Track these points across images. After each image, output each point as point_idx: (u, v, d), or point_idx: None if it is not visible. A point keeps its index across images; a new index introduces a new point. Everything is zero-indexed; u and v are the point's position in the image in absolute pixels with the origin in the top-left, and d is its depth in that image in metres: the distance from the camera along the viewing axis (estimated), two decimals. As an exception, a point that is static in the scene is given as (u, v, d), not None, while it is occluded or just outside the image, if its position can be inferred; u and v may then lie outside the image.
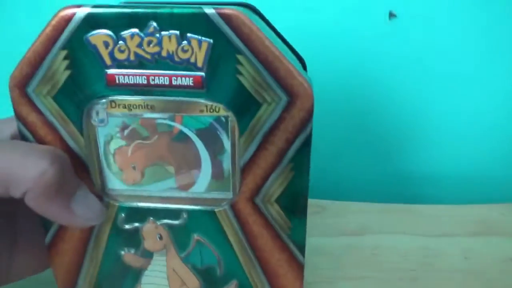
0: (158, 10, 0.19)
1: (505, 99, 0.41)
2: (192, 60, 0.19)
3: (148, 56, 0.19)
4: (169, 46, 0.19)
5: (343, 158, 0.45)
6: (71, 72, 0.20)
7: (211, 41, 0.19)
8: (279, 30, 0.23)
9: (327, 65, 0.39)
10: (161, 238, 0.23)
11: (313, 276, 0.29)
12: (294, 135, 0.20)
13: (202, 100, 0.20)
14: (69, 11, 0.19)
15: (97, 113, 0.21)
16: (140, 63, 0.20)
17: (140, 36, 0.19)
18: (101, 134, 0.22)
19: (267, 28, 0.22)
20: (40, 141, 0.22)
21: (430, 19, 0.38)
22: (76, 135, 0.21)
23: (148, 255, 0.24)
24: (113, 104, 0.21)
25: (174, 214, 0.23)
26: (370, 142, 0.44)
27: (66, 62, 0.20)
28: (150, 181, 0.23)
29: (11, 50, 0.38)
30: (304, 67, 0.25)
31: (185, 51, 0.19)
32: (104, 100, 0.21)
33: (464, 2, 0.37)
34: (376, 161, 0.44)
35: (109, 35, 0.19)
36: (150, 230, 0.23)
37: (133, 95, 0.20)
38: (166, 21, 0.19)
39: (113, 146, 0.22)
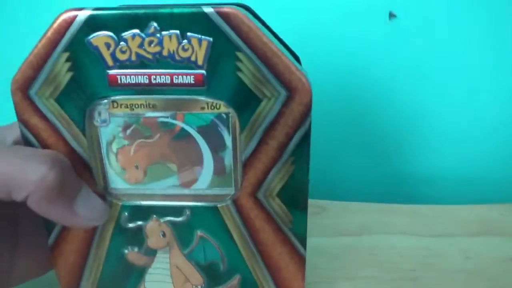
0: (158, 11, 0.19)
1: (505, 100, 0.41)
2: (193, 58, 0.20)
3: (149, 56, 0.20)
4: (170, 45, 0.20)
5: (343, 159, 0.45)
6: (73, 74, 0.20)
7: (211, 39, 0.19)
8: (278, 31, 0.24)
9: (326, 65, 0.40)
10: (164, 235, 0.24)
11: (313, 276, 0.29)
12: (294, 129, 0.21)
13: (203, 98, 0.21)
14: (70, 14, 0.19)
15: (99, 114, 0.22)
16: (141, 63, 0.20)
17: (141, 37, 0.19)
18: (104, 134, 0.22)
19: (262, 26, 0.23)
20: (42, 143, 0.22)
21: (430, 20, 0.38)
22: (78, 136, 0.22)
23: (152, 253, 0.24)
24: (115, 104, 0.21)
25: (177, 211, 0.23)
26: (370, 142, 0.44)
27: (68, 64, 0.20)
28: (152, 179, 0.23)
29: (10, 54, 0.38)
30: (299, 63, 0.26)
31: (185, 50, 0.20)
32: (106, 101, 0.21)
33: (465, 3, 0.38)
34: (376, 162, 0.45)
35: (111, 37, 0.19)
36: (153, 228, 0.23)
37: (135, 94, 0.21)
38: (166, 21, 0.19)
39: (115, 145, 0.22)
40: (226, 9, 0.19)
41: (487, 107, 0.41)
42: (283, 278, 0.24)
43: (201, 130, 0.22)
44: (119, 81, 0.20)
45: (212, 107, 0.21)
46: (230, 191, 0.23)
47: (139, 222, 0.23)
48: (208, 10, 0.19)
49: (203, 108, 0.21)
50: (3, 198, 0.20)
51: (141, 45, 0.20)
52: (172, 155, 0.22)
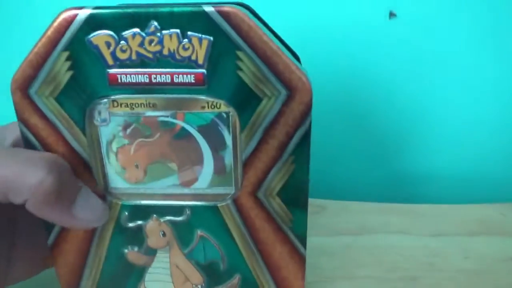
0: (159, 10, 0.19)
1: (505, 100, 0.41)
2: (193, 57, 0.20)
3: (150, 55, 0.20)
4: (170, 44, 0.20)
5: (343, 158, 0.45)
6: (73, 73, 0.20)
7: (211, 38, 0.19)
8: (278, 31, 0.24)
9: (325, 66, 0.40)
10: (164, 235, 0.24)
11: (313, 276, 0.29)
12: (294, 128, 0.21)
13: (203, 97, 0.21)
14: (70, 13, 0.19)
15: (99, 113, 0.22)
16: (141, 62, 0.20)
17: (142, 36, 0.19)
18: (104, 133, 0.22)
19: (262, 26, 0.23)
20: (42, 142, 0.22)
21: (430, 20, 0.38)
22: (78, 135, 0.22)
23: (152, 252, 0.24)
24: (115, 104, 0.21)
25: (177, 210, 0.23)
26: (370, 142, 0.44)
27: (68, 63, 0.20)
28: (153, 178, 0.23)
29: (9, 53, 0.38)
30: (299, 63, 0.26)
31: (186, 49, 0.20)
32: (106, 100, 0.21)
33: (465, 3, 0.38)
34: (376, 161, 0.45)
35: (111, 36, 0.19)
36: (153, 227, 0.23)
37: (135, 94, 0.21)
38: (167, 20, 0.19)
39: (115, 145, 0.22)
40: (226, 8, 0.19)
41: (487, 107, 0.41)
42: (283, 277, 0.24)
43: (202, 129, 0.22)
44: (119, 80, 0.20)
45: (213, 106, 0.21)
46: (230, 190, 0.23)
47: (139, 222, 0.23)
48: (208, 9, 0.19)
49: (203, 107, 0.21)
50: (1, 200, 0.19)
51: (141, 44, 0.20)
52: (172, 155, 0.22)
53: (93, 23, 0.19)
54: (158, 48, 0.20)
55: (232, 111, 0.21)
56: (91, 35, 0.19)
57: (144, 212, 0.23)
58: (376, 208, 0.39)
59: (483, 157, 0.43)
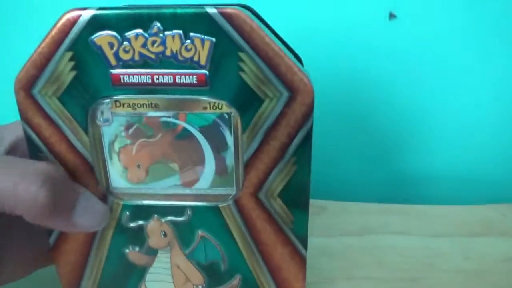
0: (162, 11, 0.19)
1: (505, 101, 0.41)
2: (196, 58, 0.20)
3: (153, 56, 0.20)
4: (173, 45, 0.20)
5: (343, 159, 0.45)
6: (77, 73, 0.20)
7: (214, 39, 0.19)
8: (279, 32, 0.24)
9: (327, 66, 0.40)
10: (165, 235, 0.24)
11: (313, 276, 0.29)
12: (296, 129, 0.21)
13: (205, 98, 0.21)
14: (74, 14, 0.19)
15: (102, 113, 0.22)
16: (144, 62, 0.20)
17: (145, 37, 0.20)
18: (106, 133, 0.22)
19: (264, 27, 0.23)
20: (45, 142, 0.22)
21: (430, 20, 0.38)
22: (81, 135, 0.22)
23: (153, 252, 0.24)
24: (118, 104, 0.21)
25: (179, 211, 0.23)
26: (370, 142, 0.44)
27: (71, 64, 0.20)
28: (154, 178, 0.23)
29: (12, 54, 0.38)
30: (301, 64, 0.26)
31: (188, 50, 0.20)
32: (108, 100, 0.21)
33: (466, 4, 0.38)
34: (376, 162, 0.45)
35: (114, 36, 0.20)
36: (154, 227, 0.24)
37: (138, 94, 0.21)
38: (170, 21, 0.19)
39: (117, 145, 0.22)
40: (229, 9, 0.19)
41: (487, 108, 0.41)
42: (284, 278, 0.24)
43: (203, 130, 0.22)
44: (122, 81, 0.20)
45: (214, 107, 0.21)
46: (231, 191, 0.23)
47: (140, 222, 0.23)
48: (211, 10, 0.19)
49: (205, 108, 0.21)
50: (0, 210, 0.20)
51: (144, 45, 0.20)
52: (174, 155, 0.23)
53: (97, 23, 0.19)
54: (160, 49, 0.20)
55: (233, 112, 0.21)
56: (95, 35, 0.20)
57: (145, 212, 0.23)
58: (377, 209, 0.39)
59: (483, 157, 0.43)
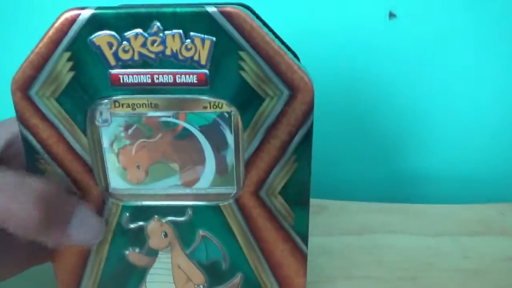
0: (161, 10, 0.19)
1: (505, 99, 0.41)
2: (196, 58, 0.20)
3: (152, 55, 0.20)
4: (173, 45, 0.20)
5: (343, 158, 0.45)
6: (75, 74, 0.20)
7: (214, 39, 0.19)
8: (278, 31, 0.24)
9: (326, 66, 0.40)
10: (166, 235, 0.24)
11: (313, 276, 0.29)
12: (296, 127, 0.21)
13: (205, 97, 0.21)
14: (72, 13, 0.19)
15: (101, 113, 0.22)
16: (144, 62, 0.20)
17: (144, 36, 0.19)
18: (105, 134, 0.22)
19: (263, 26, 0.23)
20: (42, 143, 0.22)
21: (430, 20, 0.38)
22: (79, 136, 0.21)
23: (153, 253, 0.24)
24: (117, 104, 0.21)
25: (179, 211, 0.23)
26: (370, 141, 0.44)
27: (69, 64, 0.20)
28: (154, 179, 0.23)
29: (8, 54, 0.37)
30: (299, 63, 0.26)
31: (188, 50, 0.20)
32: (107, 100, 0.21)
33: (466, 4, 0.38)
34: (376, 161, 0.45)
35: (113, 36, 0.19)
36: (155, 228, 0.23)
37: (137, 94, 0.21)
38: (170, 21, 0.19)
39: (116, 145, 0.22)
40: (229, 8, 0.19)
41: (487, 108, 0.41)
42: (285, 275, 0.24)
43: (203, 130, 0.22)
44: (121, 81, 0.20)
45: (215, 106, 0.21)
46: (232, 190, 0.23)
47: (141, 223, 0.23)
48: (211, 9, 0.19)
49: (205, 107, 0.21)
50: None
51: (144, 45, 0.20)
52: (174, 155, 0.22)
53: (96, 23, 0.19)
54: (160, 48, 0.20)
55: (234, 110, 0.21)
56: (93, 35, 0.19)
57: (145, 213, 0.23)
58: (376, 208, 0.39)
59: (482, 157, 0.43)
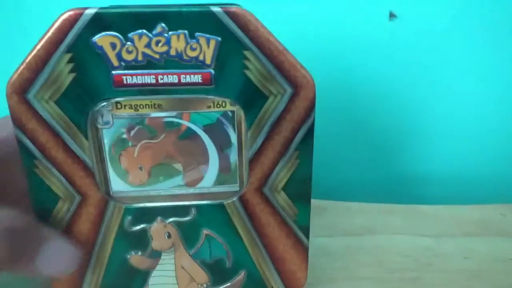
0: (166, 10, 0.19)
1: (506, 100, 0.41)
2: (201, 58, 0.20)
3: (157, 56, 0.20)
4: (178, 45, 0.20)
5: (344, 159, 0.45)
6: (76, 75, 0.20)
7: (219, 38, 0.20)
8: (279, 31, 0.24)
9: (326, 67, 0.40)
10: (169, 236, 0.24)
11: (314, 277, 0.29)
12: (299, 124, 0.22)
13: (210, 96, 0.21)
14: (73, 13, 0.19)
15: (102, 116, 0.21)
16: (148, 63, 0.20)
17: (149, 36, 0.19)
18: (106, 136, 0.22)
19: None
20: (40, 148, 0.21)
21: (430, 19, 0.39)
22: (80, 139, 0.21)
23: (156, 255, 0.24)
24: (119, 105, 0.21)
25: (183, 211, 0.23)
26: (370, 142, 0.44)
27: (70, 65, 0.20)
28: (157, 180, 0.23)
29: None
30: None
31: (193, 49, 0.20)
32: (109, 102, 0.21)
33: (465, 2, 0.38)
34: (376, 162, 0.45)
35: (116, 36, 0.19)
36: (158, 229, 0.23)
37: (141, 95, 0.20)
38: (174, 21, 0.19)
39: (118, 148, 0.22)
40: (234, 8, 0.19)
41: (488, 107, 0.42)
42: (287, 269, 0.25)
43: (207, 129, 0.22)
44: (124, 82, 0.20)
45: (218, 106, 0.22)
46: (235, 187, 0.23)
47: (143, 225, 0.23)
48: (216, 9, 0.19)
49: (209, 106, 0.21)
50: None
51: (148, 45, 0.20)
52: (177, 155, 0.22)
53: (99, 23, 0.19)
54: (165, 48, 0.20)
55: (237, 109, 0.21)
56: (96, 36, 0.19)
57: (148, 215, 0.23)
58: (377, 209, 0.39)
59: (483, 158, 0.44)
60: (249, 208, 0.23)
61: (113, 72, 0.20)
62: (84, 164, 0.22)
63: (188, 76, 0.20)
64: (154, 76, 0.20)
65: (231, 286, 0.25)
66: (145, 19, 0.19)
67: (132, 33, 0.19)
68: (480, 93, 0.41)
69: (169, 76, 0.20)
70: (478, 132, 0.43)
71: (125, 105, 0.21)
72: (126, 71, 0.20)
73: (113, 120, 0.21)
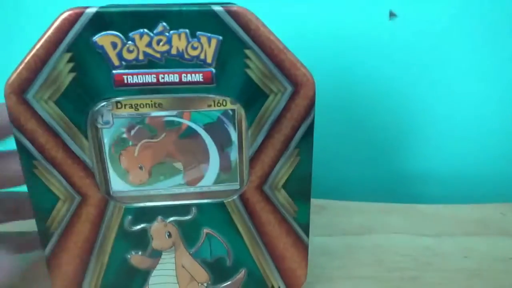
0: (167, 9, 0.19)
1: (505, 100, 0.42)
2: (202, 56, 0.20)
3: (158, 55, 0.20)
4: (179, 44, 0.20)
5: (343, 159, 0.45)
6: (76, 75, 0.20)
7: (220, 37, 0.20)
8: (279, 31, 0.24)
9: (326, 67, 0.40)
10: (170, 235, 0.24)
11: (314, 276, 0.29)
12: (299, 122, 0.22)
13: (210, 95, 0.21)
14: (73, 13, 0.19)
15: (102, 115, 0.21)
16: (149, 62, 0.20)
17: (150, 36, 0.19)
18: (106, 136, 0.22)
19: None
20: (40, 149, 0.21)
21: (430, 19, 0.39)
22: (79, 139, 0.21)
23: (156, 254, 0.24)
24: (119, 105, 0.21)
25: (183, 210, 0.23)
26: (370, 141, 0.44)
27: (70, 65, 0.19)
28: (157, 179, 0.23)
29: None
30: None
31: (194, 48, 0.20)
32: (109, 102, 0.21)
33: (465, 2, 0.38)
34: (376, 161, 0.45)
35: (117, 36, 0.19)
36: (158, 228, 0.23)
37: (142, 94, 0.20)
38: (176, 20, 0.19)
39: (118, 147, 0.22)
40: (235, 7, 0.19)
41: (487, 107, 0.42)
42: (287, 267, 0.25)
43: (208, 128, 0.22)
44: (125, 81, 0.20)
45: (219, 104, 0.22)
46: (235, 186, 0.23)
47: (144, 225, 0.23)
48: (217, 8, 0.19)
49: (209, 105, 0.22)
50: None
51: (149, 44, 0.19)
52: (178, 154, 0.22)
53: (99, 22, 0.19)
54: (166, 47, 0.20)
55: (237, 107, 0.21)
56: (97, 35, 0.19)
57: (148, 214, 0.23)
58: (376, 208, 0.39)
59: (483, 157, 0.44)
60: (249, 207, 0.23)
61: (114, 71, 0.20)
62: (84, 164, 0.21)
63: (189, 75, 0.20)
64: (155, 75, 0.20)
65: (231, 284, 0.25)
66: (146, 18, 0.19)
67: (133, 32, 0.19)
68: (480, 92, 0.42)
69: (170, 75, 0.20)
70: (478, 131, 0.43)
71: (125, 105, 0.21)
72: (127, 71, 0.20)
73: (113, 119, 0.21)
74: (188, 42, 0.20)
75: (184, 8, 0.19)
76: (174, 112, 0.22)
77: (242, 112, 0.21)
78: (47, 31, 0.19)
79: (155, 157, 0.22)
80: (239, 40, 0.20)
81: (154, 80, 0.20)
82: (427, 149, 0.44)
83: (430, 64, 0.41)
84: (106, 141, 0.22)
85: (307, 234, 0.25)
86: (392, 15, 0.37)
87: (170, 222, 0.23)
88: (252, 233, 0.24)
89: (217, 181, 0.23)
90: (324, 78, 0.35)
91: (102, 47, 0.19)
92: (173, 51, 0.20)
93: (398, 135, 0.44)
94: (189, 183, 0.23)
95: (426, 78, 0.41)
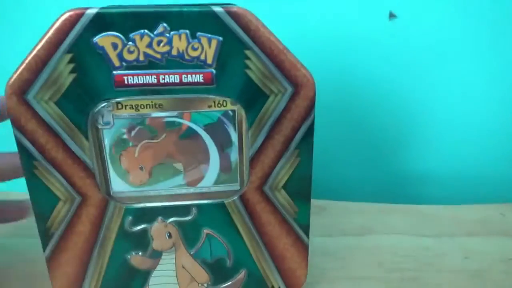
0: (168, 10, 0.19)
1: (505, 101, 0.41)
2: (202, 57, 0.20)
3: (158, 56, 0.20)
4: (179, 45, 0.20)
5: (343, 159, 0.45)
6: (76, 76, 0.20)
7: (221, 38, 0.20)
8: (280, 31, 0.24)
9: (326, 67, 0.40)
10: (170, 236, 0.24)
11: (314, 276, 0.29)
12: (300, 122, 0.22)
13: (211, 96, 0.21)
14: (74, 13, 0.19)
15: (102, 116, 0.21)
16: (149, 63, 0.20)
17: (150, 36, 0.19)
18: (107, 136, 0.22)
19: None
20: (40, 149, 0.21)
21: (430, 19, 0.39)
22: (80, 139, 0.21)
23: (156, 255, 0.24)
24: (119, 106, 0.21)
25: (184, 210, 0.23)
26: (370, 142, 0.44)
27: (71, 66, 0.19)
28: (158, 180, 0.23)
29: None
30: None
31: (195, 49, 0.20)
32: (109, 102, 0.21)
33: (465, 2, 0.38)
34: (376, 162, 0.45)
35: (118, 37, 0.19)
36: (159, 229, 0.23)
37: (142, 95, 0.20)
38: (176, 21, 0.19)
39: (119, 148, 0.22)
40: (235, 8, 0.19)
41: (487, 108, 0.42)
42: (287, 267, 0.25)
43: (208, 128, 0.22)
44: (126, 82, 0.20)
45: (219, 105, 0.22)
46: (236, 187, 0.23)
47: (144, 225, 0.23)
48: (217, 9, 0.19)
49: (210, 106, 0.22)
50: None
51: (149, 45, 0.20)
52: (178, 154, 0.22)
53: (100, 23, 0.19)
54: (166, 48, 0.20)
55: (238, 108, 0.22)
56: (97, 36, 0.19)
57: (149, 215, 0.23)
58: (377, 209, 0.39)
59: (483, 158, 0.44)
60: (249, 207, 0.23)
61: (114, 72, 0.20)
62: (85, 165, 0.21)
63: (189, 75, 0.20)
64: (155, 76, 0.20)
65: (232, 285, 0.25)
66: (146, 19, 0.19)
67: (134, 33, 0.19)
68: (480, 93, 0.42)
69: (170, 76, 0.20)
70: (478, 132, 0.43)
71: (125, 105, 0.21)
72: (127, 71, 0.20)
73: (113, 120, 0.21)
74: (189, 43, 0.20)
75: (184, 9, 0.19)
76: (175, 113, 0.22)
77: (242, 112, 0.21)
78: (47, 32, 0.19)
79: (155, 157, 0.22)
80: (239, 40, 0.20)
81: (155, 81, 0.20)
82: (427, 150, 0.44)
83: (430, 65, 0.41)
84: (107, 141, 0.22)
85: (307, 234, 0.25)
86: (392, 16, 0.37)
87: (170, 222, 0.23)
88: (252, 234, 0.24)
89: (217, 182, 0.23)
90: (324, 79, 0.35)
91: (102, 48, 0.19)
92: (174, 52, 0.20)
93: (399, 136, 0.44)
94: (190, 184, 0.23)
95: (426, 79, 0.41)
